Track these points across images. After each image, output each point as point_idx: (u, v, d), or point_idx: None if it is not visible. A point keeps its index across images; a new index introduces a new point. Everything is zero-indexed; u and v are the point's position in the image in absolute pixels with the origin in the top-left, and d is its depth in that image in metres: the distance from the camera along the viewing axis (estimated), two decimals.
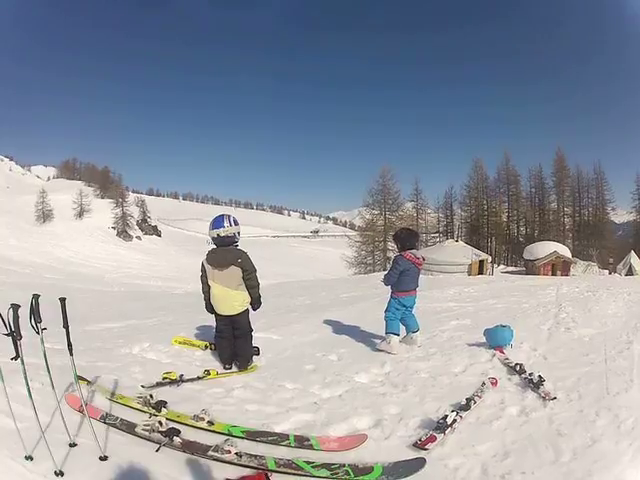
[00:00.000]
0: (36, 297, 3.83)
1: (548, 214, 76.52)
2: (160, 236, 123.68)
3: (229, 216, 6.85)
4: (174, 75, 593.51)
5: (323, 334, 9.03)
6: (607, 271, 46.78)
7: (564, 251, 45.25)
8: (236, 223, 6.87)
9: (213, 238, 6.75)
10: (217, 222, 6.75)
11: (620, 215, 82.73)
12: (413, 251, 7.62)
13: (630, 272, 43.23)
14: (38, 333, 3.80)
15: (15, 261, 70.86)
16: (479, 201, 78.58)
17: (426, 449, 4.05)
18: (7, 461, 3.65)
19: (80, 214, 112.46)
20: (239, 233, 6.90)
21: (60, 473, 3.56)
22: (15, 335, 3.71)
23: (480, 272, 43.01)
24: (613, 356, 6.93)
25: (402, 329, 7.73)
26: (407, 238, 7.75)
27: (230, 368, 6.71)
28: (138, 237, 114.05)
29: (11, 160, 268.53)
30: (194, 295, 24.22)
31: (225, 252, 6.71)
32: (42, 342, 3.83)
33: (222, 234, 6.68)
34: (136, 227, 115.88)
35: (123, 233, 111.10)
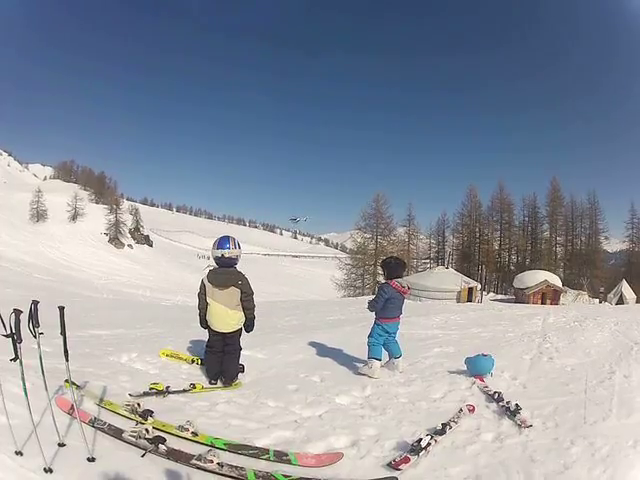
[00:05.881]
0: (35, 303, 3.95)
1: (540, 243, 76.71)
2: (151, 246, 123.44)
3: (234, 238, 7.03)
4: (176, 87, 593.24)
5: (307, 355, 9.08)
6: (597, 300, 46.92)
7: (554, 280, 45.43)
8: (239, 246, 7.07)
9: (216, 257, 6.91)
10: (222, 242, 6.93)
11: (613, 244, 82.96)
12: (399, 280, 7.73)
13: (621, 301, 43.44)
14: (35, 337, 3.92)
15: (6, 258, 70.58)
16: (471, 229, 78.72)
17: (399, 469, 4.16)
18: None
19: (74, 217, 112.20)
20: (240, 256, 7.07)
21: (49, 470, 3.66)
22: (16, 338, 3.86)
23: (469, 299, 43.19)
24: (594, 386, 6.99)
25: (385, 354, 7.85)
26: (395, 267, 7.86)
27: (215, 383, 6.80)
28: (130, 245, 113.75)
29: (10, 155, 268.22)
30: (183, 308, 24.32)
31: (227, 273, 6.90)
32: (39, 346, 3.96)
33: (226, 255, 6.86)
34: (128, 235, 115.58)
35: (115, 240, 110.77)
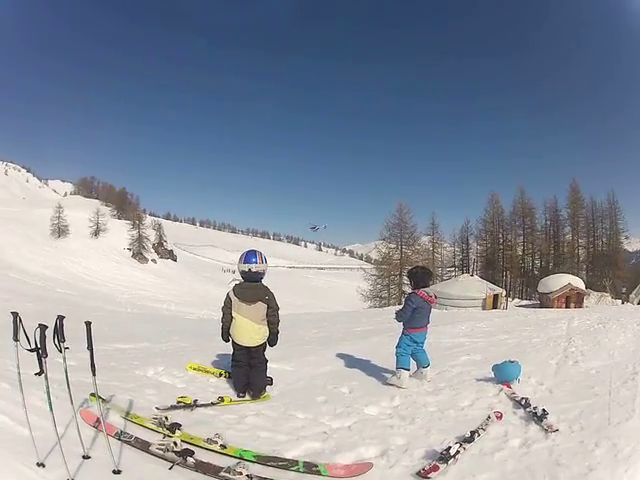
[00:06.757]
0: (61, 318, 3.96)
1: (562, 246, 76.14)
2: (175, 260, 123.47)
3: (260, 253, 7.07)
4: (196, 101, 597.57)
5: (335, 367, 9.07)
6: (620, 301, 46.47)
7: (578, 283, 44.82)
8: (266, 260, 7.09)
9: (243, 272, 6.95)
10: (249, 257, 6.96)
11: (633, 243, 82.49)
12: (426, 289, 7.74)
13: None
14: (61, 351, 3.94)
15: (27, 272, 70.87)
16: (495, 235, 78.28)
17: (429, 478, 4.16)
18: (19, 467, 3.73)
19: (96, 233, 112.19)
20: (266, 270, 7.09)
21: None
22: (41, 353, 3.88)
23: (494, 306, 42.73)
24: (617, 387, 7.04)
25: (413, 364, 7.82)
26: (422, 277, 7.87)
27: (244, 396, 6.80)
28: (153, 260, 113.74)
29: (28, 172, 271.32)
30: (208, 322, 24.36)
31: (254, 288, 6.93)
32: (64, 360, 3.97)
33: (253, 269, 6.90)
34: (152, 250, 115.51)
35: (138, 255, 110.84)
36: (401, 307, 7.88)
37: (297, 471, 4.35)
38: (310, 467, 4.40)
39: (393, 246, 68.73)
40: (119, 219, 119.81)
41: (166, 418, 5.09)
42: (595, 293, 48.33)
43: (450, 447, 4.58)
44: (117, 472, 3.95)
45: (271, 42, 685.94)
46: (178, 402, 5.96)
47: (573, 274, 50.44)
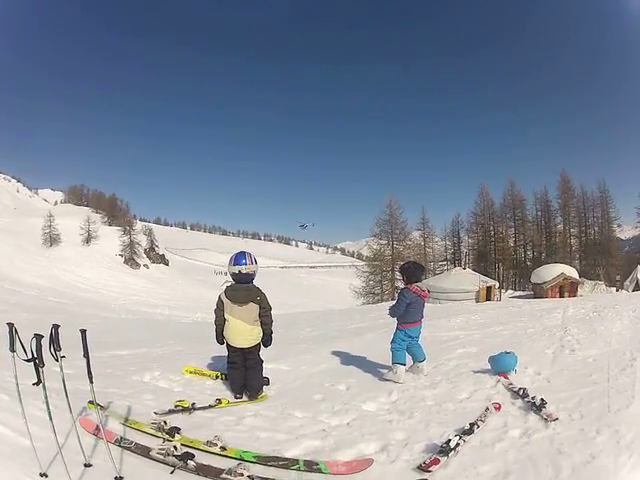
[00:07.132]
0: (56, 327, 3.93)
1: (554, 236, 76.52)
2: (168, 265, 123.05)
3: (250, 254, 7.05)
4: (183, 106, 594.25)
5: (332, 364, 9.06)
6: (614, 288, 46.61)
7: (571, 272, 44.88)
8: (256, 261, 7.07)
9: (233, 274, 6.93)
10: (238, 259, 6.94)
11: (626, 231, 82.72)
12: (419, 284, 7.75)
13: (637, 287, 43.13)
14: (57, 360, 3.90)
15: (20, 282, 70.62)
16: (486, 227, 78.59)
17: (430, 471, 4.17)
18: (22, 477, 3.73)
19: (87, 240, 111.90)
20: (257, 271, 7.07)
21: None
22: (38, 363, 3.87)
23: (488, 298, 42.80)
24: (616, 374, 7.10)
25: (409, 358, 7.83)
26: (414, 272, 7.89)
27: (241, 397, 6.79)
28: (146, 265, 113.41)
29: (18, 182, 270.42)
30: (202, 325, 24.32)
31: (246, 290, 6.91)
32: (61, 369, 3.93)
33: (243, 271, 6.87)
34: (144, 255, 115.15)
35: (130, 261, 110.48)
36: (395, 303, 7.91)
37: (298, 470, 4.35)
38: (311, 465, 4.40)
39: (384, 242, 68.78)
40: (110, 226, 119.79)
41: (165, 422, 5.09)
42: (589, 282, 48.48)
43: (450, 440, 4.59)
44: (119, 479, 3.93)
45: (254, 49, 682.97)
46: (176, 406, 5.94)
47: (566, 264, 50.62)
